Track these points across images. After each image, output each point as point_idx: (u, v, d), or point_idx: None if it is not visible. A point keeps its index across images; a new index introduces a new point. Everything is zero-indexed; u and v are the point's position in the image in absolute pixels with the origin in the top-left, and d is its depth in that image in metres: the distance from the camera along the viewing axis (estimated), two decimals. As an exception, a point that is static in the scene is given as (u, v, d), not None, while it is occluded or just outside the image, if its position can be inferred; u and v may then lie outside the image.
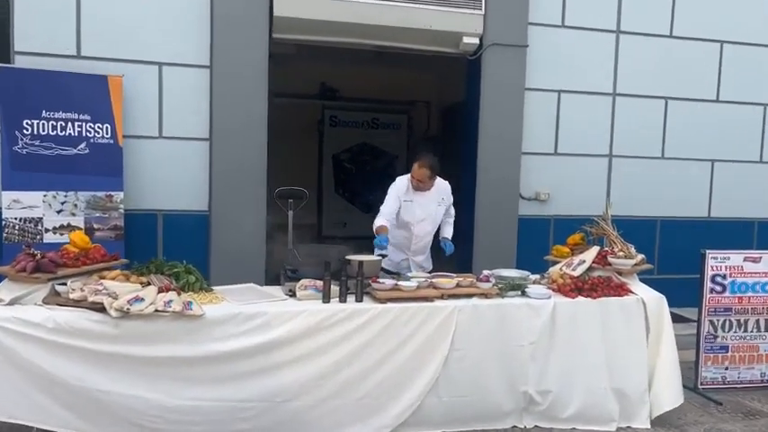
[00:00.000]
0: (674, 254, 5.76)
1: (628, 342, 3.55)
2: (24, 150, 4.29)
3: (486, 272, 3.83)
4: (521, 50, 5.40)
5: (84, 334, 2.84)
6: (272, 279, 4.34)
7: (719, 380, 4.18)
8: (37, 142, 4.33)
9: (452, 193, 4.33)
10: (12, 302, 2.93)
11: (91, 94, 4.45)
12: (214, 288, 3.45)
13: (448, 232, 4.28)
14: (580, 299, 3.55)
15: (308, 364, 3.12)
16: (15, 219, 4.29)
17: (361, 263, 3.35)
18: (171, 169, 4.78)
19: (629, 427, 3.52)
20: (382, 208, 4.04)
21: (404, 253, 4.17)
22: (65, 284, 3.02)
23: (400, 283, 3.40)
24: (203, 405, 2.99)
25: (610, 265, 3.80)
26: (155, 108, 4.72)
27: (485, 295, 3.46)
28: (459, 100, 6.62)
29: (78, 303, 2.89)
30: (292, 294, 3.35)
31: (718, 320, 4.17)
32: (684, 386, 3.73)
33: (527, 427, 3.44)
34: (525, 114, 5.48)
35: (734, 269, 4.15)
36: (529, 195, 5.59)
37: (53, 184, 4.39)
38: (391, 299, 3.30)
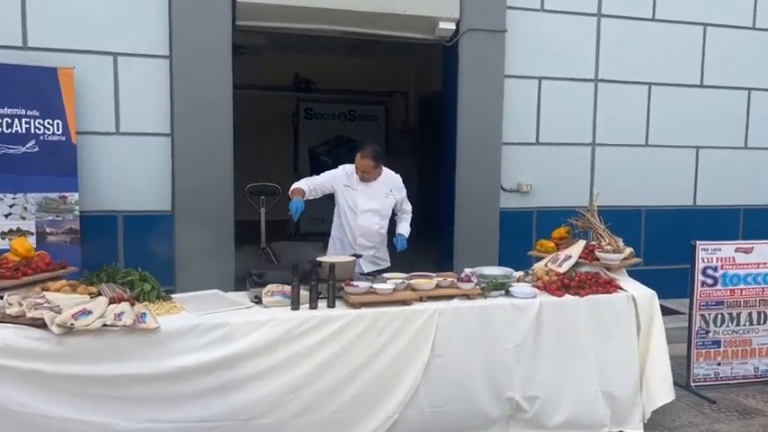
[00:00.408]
0: (660, 244, 5.61)
1: (618, 342, 3.35)
2: (-33, 150, 3.97)
3: (467, 270, 3.60)
4: (499, 36, 5.17)
5: (23, 353, 2.54)
6: (243, 282, 4.08)
7: (712, 376, 4.01)
8: (-20, 141, 3.99)
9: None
10: (-59, 320, 2.62)
11: (39, 87, 4.12)
12: (173, 296, 3.18)
13: (403, 228, 4.03)
14: (567, 297, 3.34)
15: (276, 377, 2.86)
16: (-42, 224, 3.97)
17: (332, 265, 3.10)
18: (130, 167, 4.48)
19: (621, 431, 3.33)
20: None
21: (351, 247, 3.91)
22: (1, 298, 2.72)
23: (375, 285, 3.15)
24: (161, 427, 2.71)
25: (597, 260, 3.60)
26: (110, 102, 4.40)
27: (466, 296, 3.23)
28: (437, 89, 6.40)
29: (16, 319, 2.60)
30: (258, 301, 3.09)
31: (709, 314, 3.99)
32: (676, 384, 3.54)
33: (514, 435, 3.23)
34: (505, 102, 5.27)
35: (725, 260, 3.98)
36: (510, 187, 5.39)
37: (0, 186, 4.06)
38: (366, 303, 3.06)
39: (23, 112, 4.09)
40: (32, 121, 4.11)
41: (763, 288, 4.03)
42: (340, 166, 3.97)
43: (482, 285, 3.32)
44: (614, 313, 3.37)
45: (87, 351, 2.62)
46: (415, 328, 3.04)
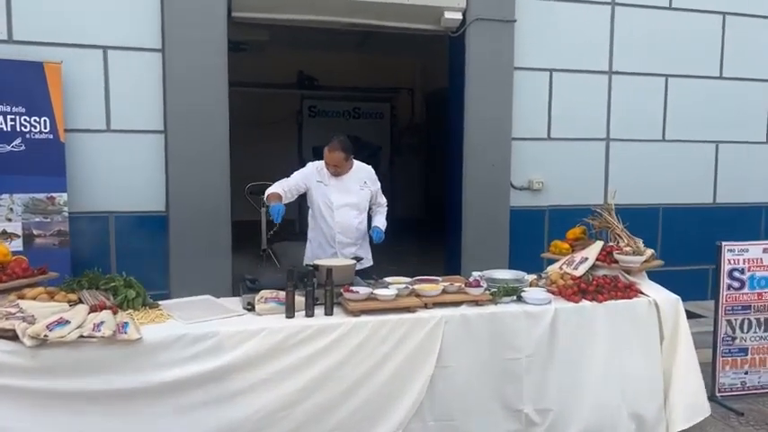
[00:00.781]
0: (678, 244, 5.35)
1: (639, 351, 3.11)
2: (-51, 148, 3.78)
3: (476, 274, 3.38)
4: (508, 26, 4.93)
5: (-7, 368, 2.34)
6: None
7: (739, 386, 3.76)
8: (-36, 139, 3.80)
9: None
10: None
11: (25, 83, 3.93)
12: (162, 303, 2.97)
13: (379, 221, 3.80)
14: (584, 303, 3.10)
15: (270, 391, 2.64)
16: (-59, 226, 3.79)
17: (329, 269, 2.87)
18: (122, 166, 4.28)
19: (643, 448, 3.09)
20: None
21: (330, 246, 3.69)
22: (-29, 307, 2.52)
23: (377, 291, 2.92)
24: (144, 446, 2.51)
25: (616, 262, 3.35)
26: (100, 98, 4.20)
27: (475, 302, 3.00)
28: (444, 85, 6.17)
29: (-15, 331, 2.39)
30: (251, 308, 2.87)
31: (736, 320, 3.74)
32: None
33: (525, 451, 2.99)
34: (515, 96, 5.03)
35: (753, 262, 3.72)
36: (521, 184, 5.15)
37: (-15, 186, 3.87)
38: (366, 310, 2.83)
39: (8, 108, 3.90)
40: (18, 118, 3.92)
41: (792, 291, 3.78)
42: (309, 164, 3.77)
43: (492, 290, 3.09)
44: (635, 320, 3.13)
45: (63, 365, 2.41)
46: (420, 338, 2.82)
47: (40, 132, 3.97)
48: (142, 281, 4.19)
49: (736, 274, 3.72)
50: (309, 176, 3.68)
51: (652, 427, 3.08)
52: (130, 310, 2.76)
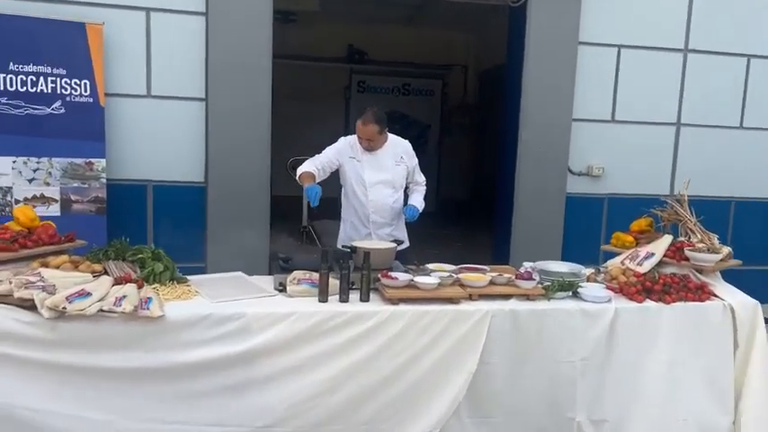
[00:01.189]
0: (751, 241, 4.90)
1: (709, 360, 2.78)
2: (-11, 109, 3.71)
3: (527, 265, 3.09)
4: (575, -4, 4.54)
5: (10, 338, 2.23)
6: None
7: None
8: (4, 100, 3.72)
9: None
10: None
11: (66, 44, 3.81)
12: (190, 278, 2.81)
13: (415, 199, 3.52)
14: (649, 303, 2.79)
15: (298, 379, 2.46)
16: (-20, 188, 3.74)
17: (367, 252, 2.65)
18: (161, 134, 4.14)
19: (709, 469, 2.78)
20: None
21: (364, 227, 3.44)
22: (-6, 273, 2.41)
23: (417, 279, 2.68)
24: (163, 429, 2.37)
25: (687, 260, 3.01)
26: (142, 62, 4.06)
27: (526, 296, 2.73)
28: (500, 62, 5.82)
29: (3, 299, 2.28)
30: (283, 289, 2.69)
31: (820, 330, 3.33)
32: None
33: (575, 463, 2.73)
34: (578, 74, 4.64)
35: None
36: (579, 170, 4.78)
37: (24, 149, 3.78)
38: (405, 299, 2.60)
39: (49, 70, 3.79)
40: (58, 80, 3.82)
41: None
42: (341, 138, 3.52)
43: (545, 284, 2.81)
44: (707, 326, 2.80)
45: (83, 339, 2.29)
46: (463, 332, 2.58)
47: (81, 96, 3.87)
48: (178, 253, 4.11)
49: (825, 279, 3.31)
50: (342, 152, 3.44)
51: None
52: (156, 285, 2.62)
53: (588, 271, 3.13)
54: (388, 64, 9.62)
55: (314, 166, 3.34)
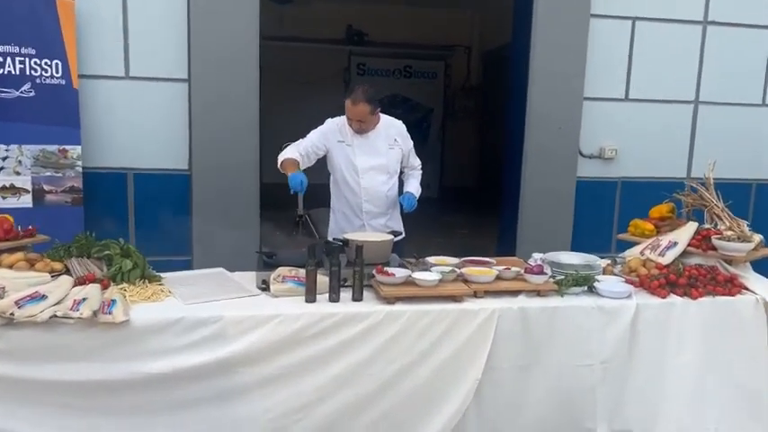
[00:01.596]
0: (773, 227, 4.59)
1: (741, 361, 2.51)
2: (-48, 92, 3.44)
3: (537, 256, 2.80)
4: (586, -35, 4.21)
5: (-48, 349, 1.97)
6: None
7: None
8: (-32, 82, 3.45)
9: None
10: None
11: (35, 21, 3.51)
12: (165, 276, 2.54)
13: (412, 186, 3.22)
14: (673, 298, 2.51)
15: (283, 389, 2.20)
16: (-56, 178, 3.48)
17: (360, 246, 2.37)
18: (141, 118, 3.85)
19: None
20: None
21: (357, 218, 3.17)
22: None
23: (416, 274, 2.41)
24: (130, 448, 2.11)
25: (714, 249, 2.72)
26: (119, 40, 3.76)
27: (536, 292, 2.45)
28: (505, 42, 5.50)
29: (-55, 304, 2.01)
30: (266, 288, 2.41)
31: None
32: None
33: (595, 479, 2.46)
34: (589, 49, 4.31)
35: None
36: (591, 152, 4.48)
37: (-9, 135, 3.53)
38: (403, 297, 2.33)
39: (17, 49, 3.50)
40: (27, 60, 3.52)
41: None
42: (327, 120, 3.20)
43: (558, 279, 2.53)
44: (738, 322, 2.52)
45: (35, 349, 2.03)
46: (467, 333, 2.31)
47: (52, 77, 3.58)
48: (162, 246, 3.84)
49: None
50: (329, 135, 3.14)
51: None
52: (124, 285, 2.34)
53: (604, 262, 2.84)
54: (389, 45, 9.29)
55: (297, 152, 3.05)
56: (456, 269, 2.51)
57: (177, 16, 3.80)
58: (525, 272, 2.51)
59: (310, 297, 2.32)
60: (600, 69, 4.39)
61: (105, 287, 2.26)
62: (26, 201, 3.58)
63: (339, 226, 3.18)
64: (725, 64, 4.57)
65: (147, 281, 2.42)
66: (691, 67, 4.56)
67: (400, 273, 2.41)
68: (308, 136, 3.15)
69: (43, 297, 2.08)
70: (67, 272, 2.36)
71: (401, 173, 3.26)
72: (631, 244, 3.02)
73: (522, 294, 2.44)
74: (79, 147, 3.66)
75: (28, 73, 3.53)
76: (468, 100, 10.03)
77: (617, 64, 4.45)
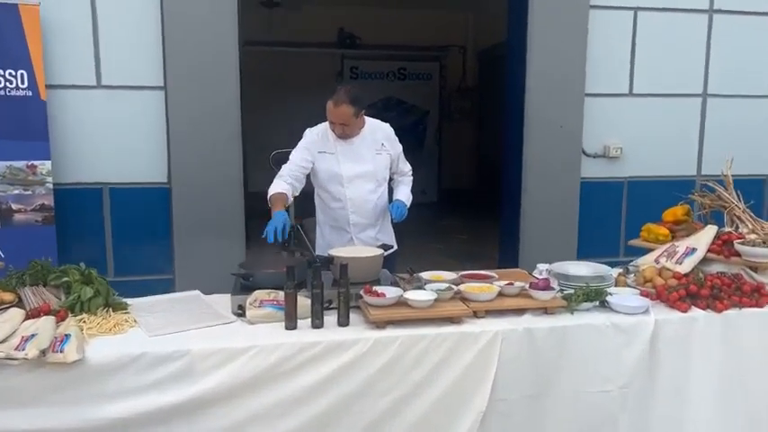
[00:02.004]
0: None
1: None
2: None
3: (542, 267, 2.56)
4: (583, -47, 3.99)
5: None
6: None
7: None
8: (-75, 96, 3.22)
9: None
10: None
11: (-3, 28, 3.30)
12: (132, 302, 2.30)
13: (402, 193, 2.97)
14: (695, 312, 2.26)
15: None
16: None
17: (344, 264, 2.12)
18: (116, 128, 3.61)
19: None
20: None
21: (345, 231, 2.91)
22: None
23: (408, 294, 2.16)
24: (87, 503, 1.86)
25: (737, 255, 2.48)
26: (88, 47, 3.53)
27: (543, 310, 2.20)
28: (501, 40, 5.28)
29: None
30: (242, 313, 2.17)
31: None
32: None
33: None
34: (590, 42, 4.09)
35: None
36: (594, 151, 4.25)
37: (-47, 152, 3.29)
38: (394, 320, 2.08)
39: (-22, 60, 3.28)
40: (-11, 71, 3.31)
41: None
42: (306, 132, 2.95)
43: (566, 293, 2.28)
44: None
45: (-25, 395, 1.77)
46: (468, 360, 2.06)
47: (17, 89, 3.34)
48: (143, 265, 3.60)
49: None
50: (311, 147, 2.88)
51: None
52: (84, 315, 2.10)
53: (615, 272, 2.59)
54: (382, 47, 9.09)
55: (284, 183, 2.78)
56: (453, 286, 2.26)
57: (150, 21, 3.58)
58: (530, 287, 2.26)
59: (290, 323, 2.07)
60: (601, 63, 4.17)
61: (62, 319, 2.02)
62: (-10, 224, 3.35)
63: (326, 240, 2.94)
64: (733, 54, 4.36)
65: (110, 309, 2.18)
66: (697, 59, 4.35)
67: (391, 292, 2.16)
68: (290, 157, 2.90)
69: (-14, 334, 1.84)
70: (20, 302, 2.12)
71: (390, 180, 3.02)
72: (644, 251, 2.78)
73: (528, 313, 2.20)
74: (49, 162, 3.43)
75: (-10, 85, 3.30)
76: (464, 101, 9.82)
77: (620, 58, 4.23)
